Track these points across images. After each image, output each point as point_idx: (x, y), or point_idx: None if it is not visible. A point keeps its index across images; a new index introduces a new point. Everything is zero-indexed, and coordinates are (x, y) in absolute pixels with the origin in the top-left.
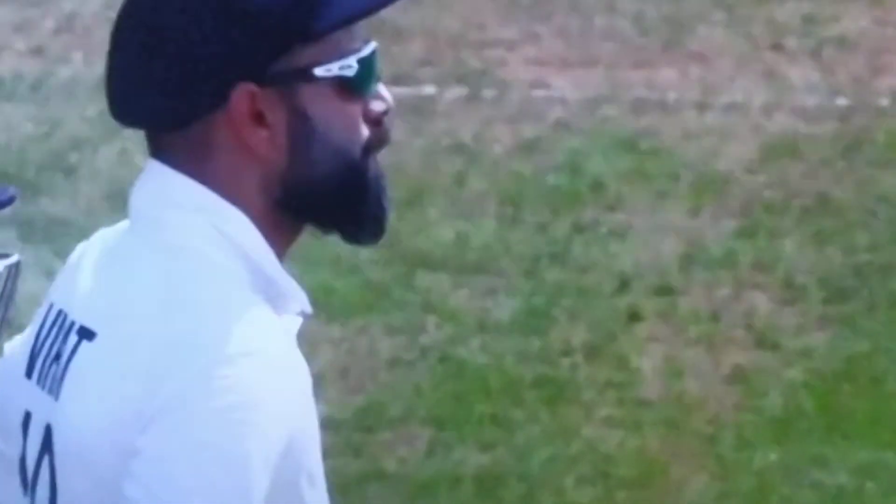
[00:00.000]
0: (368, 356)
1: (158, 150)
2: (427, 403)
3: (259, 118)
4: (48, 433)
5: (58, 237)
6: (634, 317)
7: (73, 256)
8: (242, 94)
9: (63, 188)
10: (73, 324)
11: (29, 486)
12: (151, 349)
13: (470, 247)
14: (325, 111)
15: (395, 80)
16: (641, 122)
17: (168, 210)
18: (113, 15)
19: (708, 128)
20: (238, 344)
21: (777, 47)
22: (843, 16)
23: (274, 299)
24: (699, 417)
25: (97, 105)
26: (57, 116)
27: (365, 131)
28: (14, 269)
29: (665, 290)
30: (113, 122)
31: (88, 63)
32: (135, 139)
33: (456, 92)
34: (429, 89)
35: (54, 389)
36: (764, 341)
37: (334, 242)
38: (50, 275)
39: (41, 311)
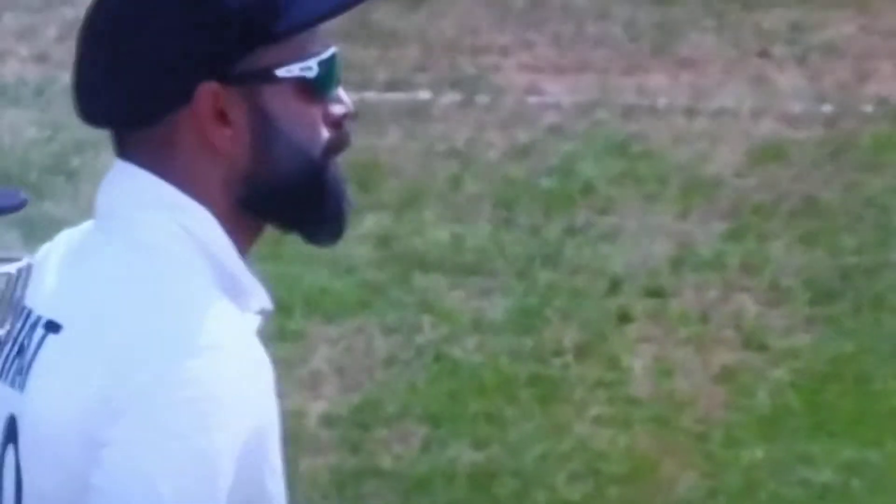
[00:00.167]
0: (365, 355)
1: (124, 150)
2: (422, 401)
3: (222, 117)
4: (12, 424)
5: None
6: (625, 317)
7: (38, 256)
8: (206, 93)
9: (65, 191)
10: (39, 318)
11: None
12: (117, 343)
13: (465, 248)
14: (286, 112)
15: (390, 86)
16: (632, 126)
17: (134, 208)
18: None
19: (697, 132)
20: (202, 338)
21: (765, 54)
22: (829, 23)
23: (236, 296)
24: (688, 416)
25: None
26: (59, 121)
27: (325, 133)
28: (24, 273)
29: (655, 292)
30: None
31: None
32: None
33: (451, 97)
34: (424, 94)
35: (18, 382)
36: (752, 342)
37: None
38: None
39: None
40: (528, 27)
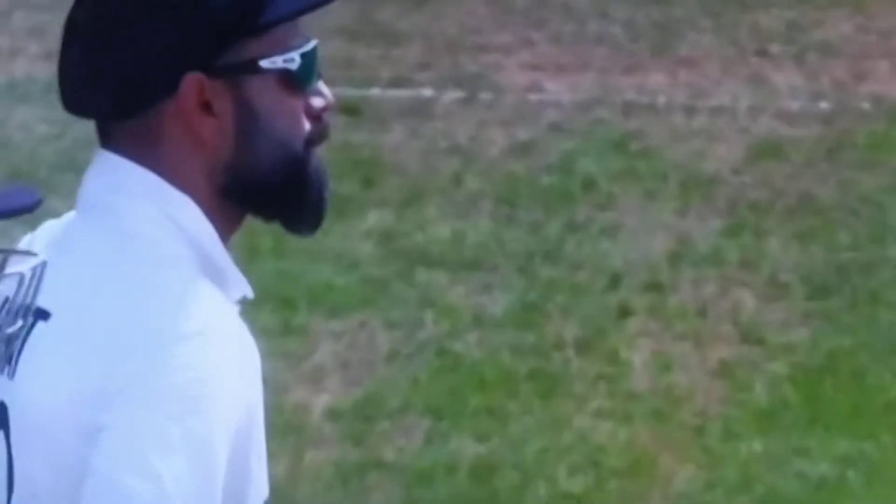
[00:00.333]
0: (368, 349)
1: (108, 141)
2: (424, 395)
3: (206, 107)
4: (2, 412)
5: None
6: (625, 312)
7: (20, 247)
8: (191, 84)
9: (74, 187)
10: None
11: None
12: (107, 330)
13: (466, 244)
14: (269, 103)
15: (394, 83)
16: (632, 124)
17: (118, 197)
18: None
19: (695, 130)
20: (190, 323)
21: (762, 53)
22: (826, 22)
23: (219, 284)
24: (687, 409)
25: None
26: (69, 118)
27: (306, 125)
28: (40, 270)
29: (654, 287)
30: None
31: None
32: None
33: (453, 95)
34: (427, 92)
35: (7, 369)
36: (749, 336)
37: (336, 240)
38: None
39: None
40: (529, 26)
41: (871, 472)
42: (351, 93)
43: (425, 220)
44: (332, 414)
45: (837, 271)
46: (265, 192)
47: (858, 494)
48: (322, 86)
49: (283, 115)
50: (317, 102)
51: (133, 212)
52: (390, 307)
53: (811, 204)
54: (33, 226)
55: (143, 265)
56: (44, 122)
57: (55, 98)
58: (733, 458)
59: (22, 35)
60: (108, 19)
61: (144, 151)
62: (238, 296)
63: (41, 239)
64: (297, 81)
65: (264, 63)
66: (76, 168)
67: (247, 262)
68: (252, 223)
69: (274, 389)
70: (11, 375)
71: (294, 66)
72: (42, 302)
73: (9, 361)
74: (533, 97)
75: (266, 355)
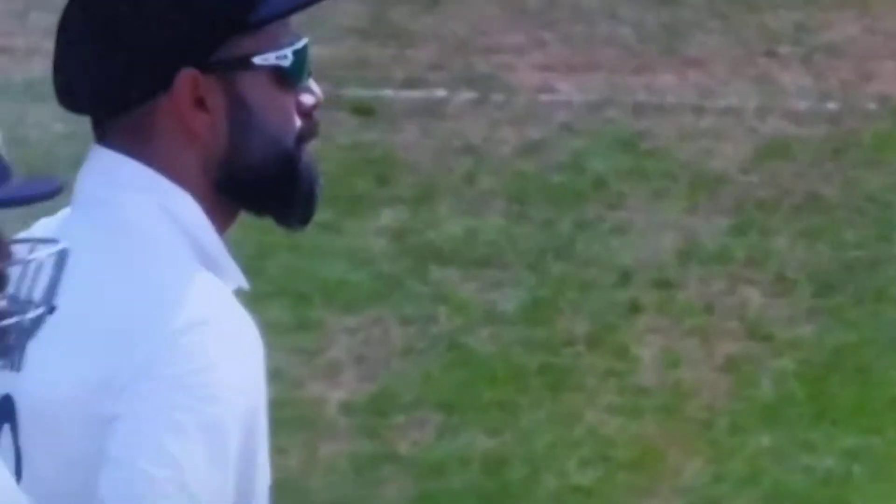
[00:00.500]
0: (382, 345)
1: (103, 136)
2: (437, 390)
3: (200, 103)
4: (8, 404)
5: None
6: (634, 309)
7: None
8: (186, 79)
9: None
10: None
11: None
12: (112, 321)
13: (478, 242)
14: (261, 99)
15: (407, 84)
16: (641, 124)
17: (114, 190)
18: None
19: (704, 130)
20: (195, 312)
21: (770, 53)
22: (833, 24)
23: (215, 274)
24: (695, 404)
25: None
26: (85, 117)
27: (297, 121)
28: (61, 256)
29: (663, 284)
30: None
31: None
32: None
33: (465, 95)
34: (440, 93)
35: (12, 362)
36: (756, 332)
37: (350, 237)
38: None
39: None
40: (540, 27)
41: (876, 466)
42: (364, 93)
43: (438, 218)
44: (347, 408)
45: (843, 269)
46: (257, 187)
47: (864, 488)
48: (312, 83)
49: (274, 111)
50: (307, 99)
51: (129, 204)
52: (404, 303)
53: (817, 202)
54: (41, 216)
55: (142, 256)
56: (60, 120)
57: None
58: (740, 451)
59: (38, 35)
60: (102, 16)
61: (139, 147)
62: (233, 287)
63: (36, 236)
64: (288, 78)
65: (257, 59)
66: None
67: (262, 258)
68: (261, 220)
69: (289, 384)
70: (18, 368)
71: (286, 62)
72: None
73: (20, 351)
74: (544, 97)
75: (281, 350)
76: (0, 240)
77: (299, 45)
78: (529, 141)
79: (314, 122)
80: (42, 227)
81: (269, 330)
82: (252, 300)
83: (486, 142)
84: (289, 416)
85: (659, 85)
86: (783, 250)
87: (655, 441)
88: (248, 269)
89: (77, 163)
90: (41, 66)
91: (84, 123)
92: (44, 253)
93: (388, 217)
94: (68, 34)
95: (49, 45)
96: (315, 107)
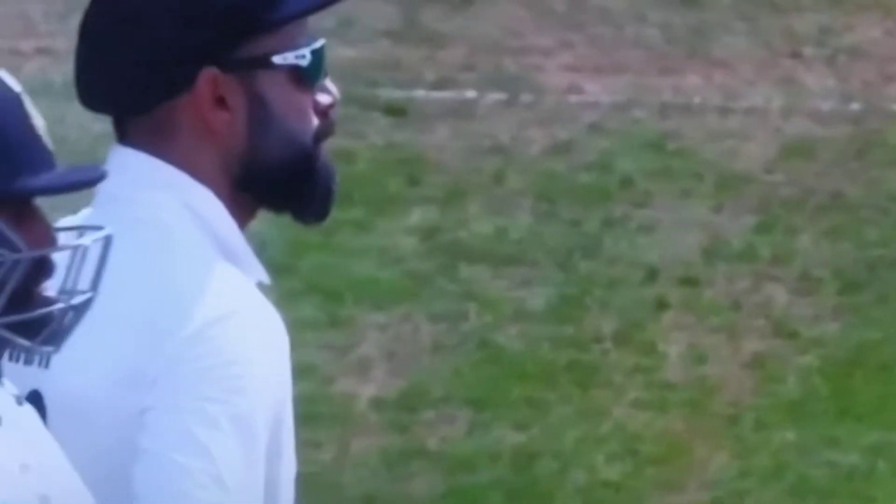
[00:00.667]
0: (412, 341)
1: (124, 136)
2: (467, 386)
3: (221, 102)
4: (37, 398)
5: None
6: (661, 306)
7: None
8: (207, 79)
9: None
10: None
11: None
12: (138, 315)
13: (507, 240)
14: (280, 98)
15: (437, 85)
16: (668, 124)
17: (137, 189)
18: None
19: (729, 130)
20: (220, 305)
21: (795, 55)
22: (856, 26)
23: (238, 270)
24: (720, 400)
25: None
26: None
27: (315, 120)
28: (106, 242)
29: (689, 282)
30: None
31: None
32: None
33: (495, 96)
34: (470, 94)
35: (41, 359)
36: (781, 330)
37: (381, 235)
38: None
39: None
40: (568, 30)
41: None
42: (396, 94)
43: (468, 217)
44: (378, 404)
45: (866, 267)
46: (276, 184)
47: (887, 483)
48: (329, 83)
49: (293, 110)
50: (324, 99)
51: (152, 202)
52: (434, 301)
53: (841, 201)
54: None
55: (167, 251)
56: (98, 120)
57: None
58: (765, 447)
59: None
60: (124, 17)
61: (160, 145)
62: (255, 280)
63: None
64: (306, 77)
65: (276, 59)
66: None
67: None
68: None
69: (321, 380)
70: (46, 364)
71: (304, 62)
72: None
73: (63, 338)
74: (572, 98)
75: (313, 347)
76: (48, 226)
77: (317, 44)
78: (557, 141)
79: (330, 121)
80: (65, 225)
81: (302, 327)
82: (285, 297)
83: (515, 142)
84: (321, 412)
85: (685, 86)
86: (807, 249)
87: (682, 436)
88: (282, 267)
89: None
90: None
91: None
92: (90, 239)
93: (418, 216)
94: (90, 35)
95: None
96: (331, 106)
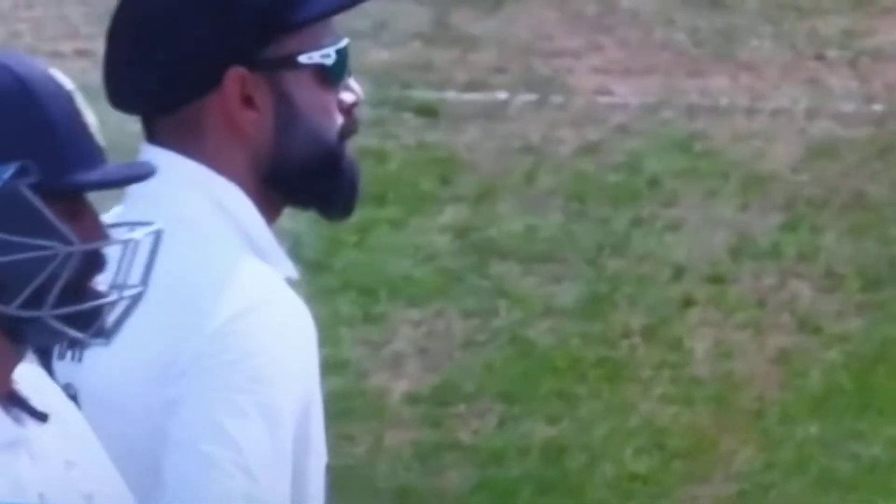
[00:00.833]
0: (445, 337)
1: (153, 135)
2: (498, 380)
3: (248, 101)
4: (70, 391)
5: None
6: (688, 303)
7: None
8: (234, 78)
9: None
10: None
11: None
12: (169, 309)
13: (538, 238)
14: (306, 96)
15: (469, 87)
16: (695, 125)
17: (166, 187)
18: None
19: (756, 131)
20: (247, 299)
21: (819, 58)
22: (879, 30)
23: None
24: (746, 395)
25: None
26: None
27: (339, 118)
28: (157, 237)
29: (716, 279)
30: None
31: None
32: None
33: (526, 97)
34: (501, 95)
35: (73, 354)
36: (806, 326)
37: (414, 234)
38: None
39: None
40: (598, 32)
41: None
42: (428, 95)
43: (499, 216)
44: (411, 398)
45: (890, 264)
46: (302, 182)
47: None
48: (352, 82)
49: (318, 108)
50: (348, 97)
51: (182, 199)
52: (466, 297)
53: (864, 201)
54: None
55: (196, 247)
56: (138, 121)
57: None
58: (790, 440)
59: None
60: (152, 18)
61: (189, 144)
62: (284, 276)
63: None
64: (331, 76)
65: (302, 58)
66: None
67: (331, 254)
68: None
69: (355, 374)
70: (79, 359)
71: (329, 61)
72: None
73: (114, 331)
74: (601, 99)
75: (348, 342)
76: (100, 221)
77: (341, 44)
78: (587, 141)
79: (355, 119)
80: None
81: (336, 323)
82: (320, 294)
83: (546, 142)
84: (355, 406)
85: (713, 88)
86: (832, 246)
87: (708, 430)
88: (318, 264)
89: None
90: None
91: None
92: (141, 233)
93: (450, 215)
94: (119, 35)
95: None
96: (355, 104)
